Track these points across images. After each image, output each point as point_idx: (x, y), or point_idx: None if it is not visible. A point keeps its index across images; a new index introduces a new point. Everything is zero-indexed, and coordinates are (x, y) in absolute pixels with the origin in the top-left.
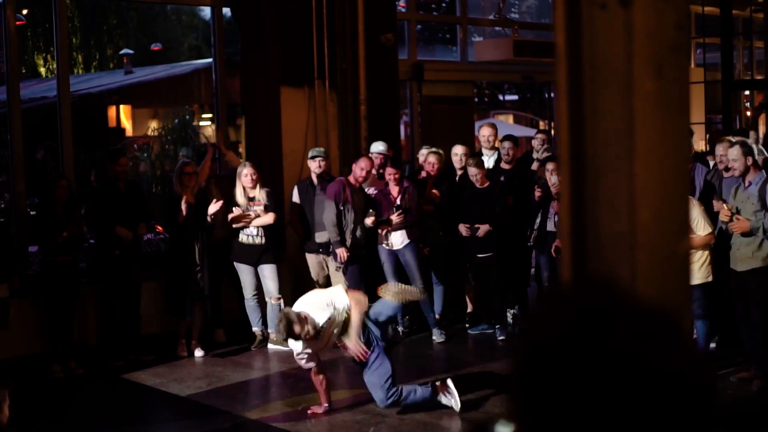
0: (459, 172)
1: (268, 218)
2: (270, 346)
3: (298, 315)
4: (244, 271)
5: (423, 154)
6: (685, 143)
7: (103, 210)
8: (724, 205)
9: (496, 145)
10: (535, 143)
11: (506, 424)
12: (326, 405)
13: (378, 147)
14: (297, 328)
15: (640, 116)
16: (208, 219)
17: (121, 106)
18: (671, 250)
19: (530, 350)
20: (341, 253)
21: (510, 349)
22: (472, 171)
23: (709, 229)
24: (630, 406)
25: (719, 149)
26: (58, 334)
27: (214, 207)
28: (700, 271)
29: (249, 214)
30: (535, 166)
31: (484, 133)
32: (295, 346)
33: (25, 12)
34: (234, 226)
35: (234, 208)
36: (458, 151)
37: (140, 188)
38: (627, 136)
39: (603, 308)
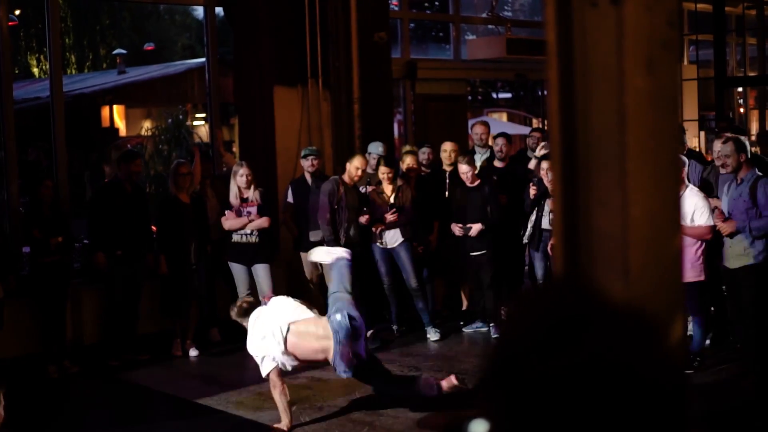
0: (448, 169)
1: (263, 222)
2: None
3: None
4: (237, 271)
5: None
6: (676, 140)
7: (108, 209)
8: (717, 207)
9: (489, 142)
10: (530, 141)
11: (482, 422)
12: (287, 424)
13: (377, 149)
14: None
15: (631, 113)
16: None
17: (115, 106)
18: (663, 248)
19: (505, 354)
20: None
21: (486, 351)
22: (463, 168)
23: (710, 222)
24: (604, 411)
25: (716, 145)
26: (51, 335)
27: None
28: (693, 268)
29: (243, 220)
30: (532, 164)
31: (476, 130)
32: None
33: (17, 12)
34: (227, 229)
35: (227, 212)
36: (447, 147)
37: (144, 192)
38: (618, 133)
39: (578, 312)
